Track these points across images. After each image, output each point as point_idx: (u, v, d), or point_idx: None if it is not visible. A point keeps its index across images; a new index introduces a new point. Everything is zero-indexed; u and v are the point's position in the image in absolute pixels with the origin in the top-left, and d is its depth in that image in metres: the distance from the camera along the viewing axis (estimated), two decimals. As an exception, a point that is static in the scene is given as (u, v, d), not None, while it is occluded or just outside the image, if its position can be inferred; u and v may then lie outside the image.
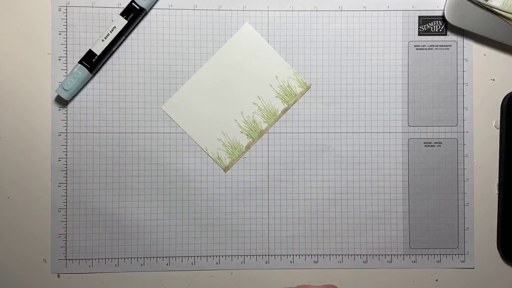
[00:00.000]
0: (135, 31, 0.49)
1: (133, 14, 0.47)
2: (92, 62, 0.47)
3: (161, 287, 0.49)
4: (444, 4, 0.49)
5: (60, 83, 0.48)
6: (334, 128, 0.50)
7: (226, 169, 0.50)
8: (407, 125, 0.50)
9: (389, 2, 0.50)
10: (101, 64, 0.48)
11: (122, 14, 0.47)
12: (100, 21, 0.49)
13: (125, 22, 0.47)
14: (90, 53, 0.47)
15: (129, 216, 0.49)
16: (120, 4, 0.49)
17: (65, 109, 0.49)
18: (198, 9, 0.50)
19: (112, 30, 0.47)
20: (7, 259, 0.49)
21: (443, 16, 0.50)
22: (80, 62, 0.47)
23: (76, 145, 0.49)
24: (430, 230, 0.50)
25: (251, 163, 0.50)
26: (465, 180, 0.50)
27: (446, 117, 0.50)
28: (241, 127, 0.50)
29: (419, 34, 0.50)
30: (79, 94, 0.49)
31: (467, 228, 0.50)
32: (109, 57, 0.49)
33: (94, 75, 0.48)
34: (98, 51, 0.47)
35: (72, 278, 0.49)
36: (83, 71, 0.47)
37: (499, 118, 0.50)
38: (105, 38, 0.47)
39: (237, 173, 0.50)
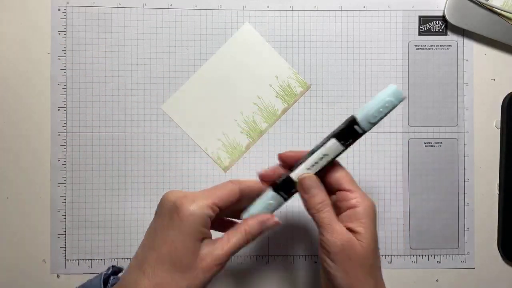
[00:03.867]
0: (135, 30, 0.49)
1: (352, 140, 0.36)
2: (291, 192, 0.37)
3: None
4: (444, 4, 0.49)
5: (246, 209, 0.38)
6: (334, 128, 0.50)
7: (226, 169, 0.50)
8: (407, 125, 0.50)
9: (390, 2, 0.50)
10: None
11: (337, 138, 0.36)
12: (100, 21, 0.49)
13: (340, 148, 0.36)
14: (288, 181, 0.37)
15: (129, 216, 0.49)
16: (120, 4, 0.49)
17: (65, 109, 0.49)
18: (198, 8, 0.50)
19: (322, 158, 0.36)
20: (7, 259, 0.49)
21: (443, 16, 0.50)
22: (275, 190, 0.37)
23: (75, 145, 0.49)
24: (430, 231, 0.50)
25: (251, 163, 0.50)
26: (465, 180, 0.50)
27: (446, 117, 0.50)
28: (241, 127, 0.50)
29: (419, 34, 0.50)
30: (78, 94, 0.49)
31: (468, 228, 0.50)
32: (108, 57, 0.49)
33: (286, 200, 0.38)
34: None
35: (71, 278, 0.49)
36: (278, 200, 0.37)
37: (499, 118, 0.50)
38: (312, 166, 0.36)
39: (237, 173, 0.50)
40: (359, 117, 0.35)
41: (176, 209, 0.32)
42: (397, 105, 0.35)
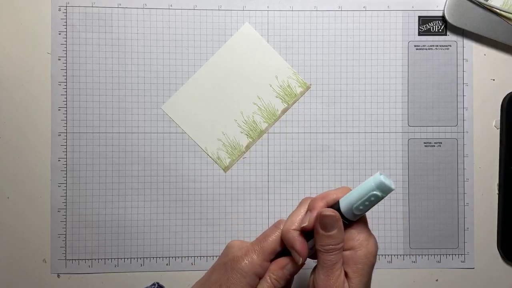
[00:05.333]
0: (135, 31, 0.49)
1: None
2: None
3: (161, 287, 0.49)
4: (444, 4, 0.49)
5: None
6: (334, 128, 0.50)
7: (226, 169, 0.50)
8: (407, 125, 0.50)
9: (389, 2, 0.50)
10: None
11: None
12: (100, 21, 0.49)
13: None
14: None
15: (129, 216, 0.49)
16: (120, 4, 0.49)
17: (65, 109, 0.49)
18: (198, 9, 0.50)
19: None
20: (7, 259, 0.49)
21: (443, 16, 0.50)
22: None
23: (75, 145, 0.49)
24: (430, 230, 0.50)
25: (251, 163, 0.50)
26: (465, 180, 0.50)
27: (446, 117, 0.50)
28: (241, 127, 0.50)
29: (419, 34, 0.50)
30: (78, 94, 0.49)
31: (467, 228, 0.50)
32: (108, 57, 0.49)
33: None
34: None
35: (72, 278, 0.49)
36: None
37: (499, 118, 0.50)
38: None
39: (237, 173, 0.50)
40: (342, 208, 0.32)
41: (231, 264, 0.34)
42: (385, 196, 0.31)
